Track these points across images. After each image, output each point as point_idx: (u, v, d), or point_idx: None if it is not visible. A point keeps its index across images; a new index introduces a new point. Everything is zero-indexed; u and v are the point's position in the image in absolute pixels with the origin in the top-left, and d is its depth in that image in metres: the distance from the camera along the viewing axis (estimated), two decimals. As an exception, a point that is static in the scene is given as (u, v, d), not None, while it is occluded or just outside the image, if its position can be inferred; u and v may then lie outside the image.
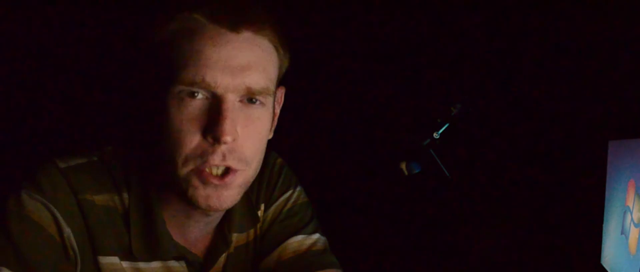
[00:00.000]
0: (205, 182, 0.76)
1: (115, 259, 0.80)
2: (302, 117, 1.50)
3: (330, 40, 1.55)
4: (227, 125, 0.73)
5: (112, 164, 0.83)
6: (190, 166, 0.75)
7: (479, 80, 1.46)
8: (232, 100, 0.75)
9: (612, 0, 1.21)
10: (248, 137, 0.77)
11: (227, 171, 0.76)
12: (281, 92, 0.89)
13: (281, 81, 0.87)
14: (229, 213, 0.89)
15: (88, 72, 1.42)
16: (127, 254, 0.81)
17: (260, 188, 0.95)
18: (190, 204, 0.78)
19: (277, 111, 0.88)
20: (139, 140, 0.86)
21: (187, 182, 0.76)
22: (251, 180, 0.81)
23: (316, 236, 0.95)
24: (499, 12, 1.41)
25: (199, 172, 0.75)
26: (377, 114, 1.55)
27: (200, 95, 0.75)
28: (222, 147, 0.74)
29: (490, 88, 1.44)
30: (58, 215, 0.76)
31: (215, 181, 0.76)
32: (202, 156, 0.75)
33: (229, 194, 0.77)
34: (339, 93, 1.58)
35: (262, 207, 0.95)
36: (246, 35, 0.76)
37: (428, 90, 1.50)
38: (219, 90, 0.74)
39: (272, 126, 0.86)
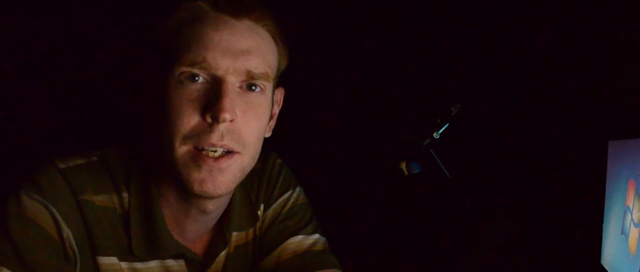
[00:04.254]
0: (200, 164, 0.76)
1: (114, 259, 0.80)
2: (302, 117, 1.50)
3: (331, 39, 1.55)
4: (227, 104, 0.74)
5: (112, 165, 0.83)
6: (187, 146, 0.76)
7: (479, 80, 1.46)
8: (232, 83, 0.77)
9: (612, 0, 1.21)
10: (247, 122, 0.78)
11: (224, 153, 0.77)
12: (280, 94, 0.90)
13: (280, 83, 0.87)
14: (228, 211, 0.89)
15: (89, 69, 1.42)
16: (126, 254, 0.82)
17: (260, 188, 0.95)
18: (185, 189, 0.78)
19: (276, 112, 0.89)
20: (138, 139, 0.86)
21: (183, 164, 0.76)
22: (247, 169, 0.82)
23: (316, 236, 0.95)
24: (499, 12, 1.41)
25: (196, 154, 0.76)
26: (377, 114, 1.55)
27: (201, 79, 0.76)
28: (221, 127, 0.75)
29: (490, 88, 1.44)
30: (57, 215, 0.76)
31: (211, 162, 0.76)
32: (200, 134, 0.75)
33: (224, 180, 0.78)
34: (339, 93, 1.58)
35: (262, 207, 0.95)
36: (247, 23, 0.79)
37: (428, 91, 1.50)
38: (220, 72, 0.76)
39: (270, 125, 0.86)
